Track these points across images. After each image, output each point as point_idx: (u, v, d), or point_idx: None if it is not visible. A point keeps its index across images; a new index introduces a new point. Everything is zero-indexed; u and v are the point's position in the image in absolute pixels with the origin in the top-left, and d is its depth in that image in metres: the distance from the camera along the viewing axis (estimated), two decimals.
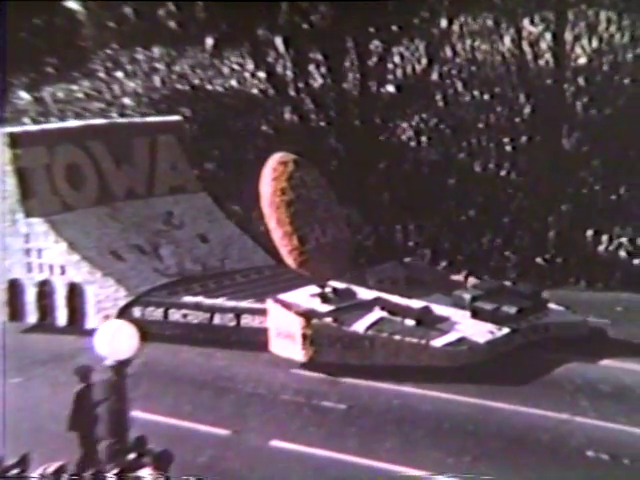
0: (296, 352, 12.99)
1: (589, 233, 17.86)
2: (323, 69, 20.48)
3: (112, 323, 9.53)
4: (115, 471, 8.38)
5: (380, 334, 12.65)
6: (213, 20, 19.95)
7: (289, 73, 20.69)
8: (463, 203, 19.24)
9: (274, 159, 15.21)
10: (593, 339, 13.30)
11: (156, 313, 14.58)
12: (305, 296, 13.56)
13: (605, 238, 17.68)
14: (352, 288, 13.83)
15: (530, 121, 19.32)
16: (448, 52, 20.54)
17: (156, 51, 23.22)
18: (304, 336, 12.88)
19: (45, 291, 15.45)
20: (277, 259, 15.94)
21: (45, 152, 15.95)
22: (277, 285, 14.69)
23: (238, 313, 14.13)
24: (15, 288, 15.60)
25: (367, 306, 13.28)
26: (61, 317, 15.31)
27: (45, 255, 15.46)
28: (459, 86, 20.32)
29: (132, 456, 8.53)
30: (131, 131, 17.37)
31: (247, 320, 14.00)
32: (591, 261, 17.38)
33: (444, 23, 20.22)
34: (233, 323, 14.12)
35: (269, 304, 13.61)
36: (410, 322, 12.82)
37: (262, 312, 13.74)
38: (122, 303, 14.79)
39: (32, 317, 15.53)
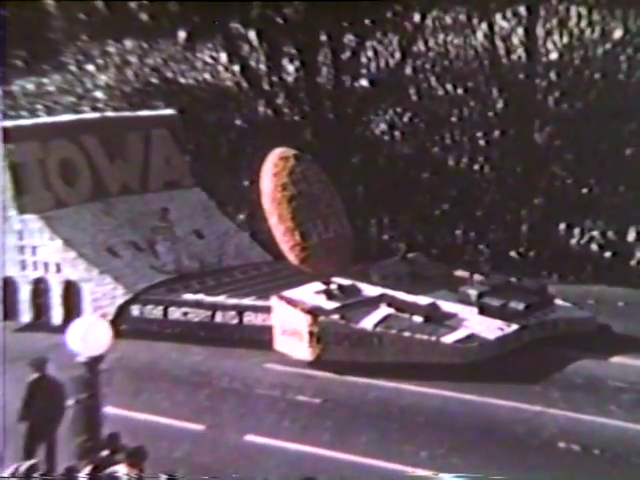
0: (302, 350, 12.79)
1: (561, 227, 18.02)
2: (297, 63, 20.42)
3: (85, 319, 9.46)
4: (88, 468, 8.31)
5: (389, 331, 12.46)
6: (185, 13, 19.78)
7: (263, 67, 20.61)
8: (437, 197, 19.31)
9: (274, 154, 14.71)
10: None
11: (155, 311, 14.34)
12: (310, 293, 13.36)
13: (577, 231, 17.85)
14: (357, 285, 13.63)
15: (503, 115, 19.43)
16: (421, 46, 20.59)
17: (128, 44, 22.99)
18: (311, 334, 12.68)
19: (40, 289, 15.17)
20: (273, 255, 15.77)
21: (38, 147, 15.65)
22: (277, 282, 14.54)
23: (241, 311, 13.90)
24: (8, 286, 15.24)
25: (373, 303, 13.08)
26: (56, 316, 15.03)
27: (40, 252, 15.18)
28: (432, 80, 20.37)
29: (105, 453, 8.48)
30: (124, 125, 17.12)
31: (250, 318, 13.78)
32: (563, 254, 17.54)
33: (417, 17, 20.25)
34: (235, 321, 13.88)
35: (273, 301, 13.41)
36: (418, 319, 12.61)
37: (266, 309, 13.53)
38: (120, 301, 14.57)
39: (26, 316, 15.23)
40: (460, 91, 20.03)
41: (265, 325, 13.45)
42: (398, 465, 9.72)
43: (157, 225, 16.02)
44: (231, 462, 10.05)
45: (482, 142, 19.66)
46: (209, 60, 22.11)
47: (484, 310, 13.00)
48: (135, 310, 14.48)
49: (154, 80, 22.29)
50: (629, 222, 17.60)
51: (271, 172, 14.50)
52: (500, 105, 19.54)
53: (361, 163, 19.99)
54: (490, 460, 9.77)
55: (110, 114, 19.08)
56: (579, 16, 19.69)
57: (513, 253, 17.79)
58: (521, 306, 13.12)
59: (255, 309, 13.80)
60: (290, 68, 20.61)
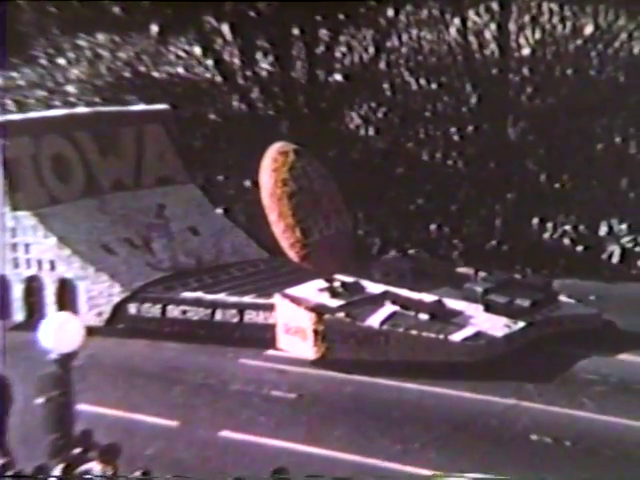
0: (307, 349, 12.54)
1: (534, 221, 18.15)
2: (271, 57, 20.35)
3: (56, 316, 9.36)
4: (60, 466, 8.22)
5: (396, 329, 12.26)
6: (158, 6, 19.64)
7: (237, 61, 20.51)
8: (411, 192, 19.36)
9: (274, 149, 14.25)
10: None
11: (153, 310, 14.05)
12: (313, 290, 13.11)
13: (550, 226, 18.00)
14: (360, 282, 13.40)
15: (476, 110, 19.52)
16: (395, 41, 20.62)
17: (100, 37, 22.75)
18: (316, 332, 12.44)
19: (33, 287, 14.82)
20: (269, 251, 15.59)
21: (30, 142, 15.33)
22: (277, 279, 14.31)
23: (242, 309, 13.59)
24: (1, 284, 14.89)
25: (377, 300, 12.86)
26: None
27: (33, 250, 14.85)
28: (406, 75, 20.42)
29: (77, 450, 8.39)
30: (117, 120, 16.83)
31: (251, 316, 13.49)
32: (537, 248, 17.67)
33: (391, 12, 20.27)
34: (236, 319, 13.58)
35: (277, 299, 13.12)
36: (424, 316, 12.44)
37: (267, 307, 13.26)
38: (116, 299, 14.28)
39: (19, 315, 14.88)
40: (434, 86, 20.09)
41: (267, 323, 13.19)
42: (374, 460, 9.72)
43: (153, 222, 15.69)
44: (206, 458, 10.00)
45: (456, 137, 19.75)
46: (182, 54, 21.96)
47: (490, 307, 12.81)
48: (132, 308, 14.18)
49: (127, 74, 22.08)
50: (600, 217, 17.79)
51: (270, 167, 14.01)
52: (474, 100, 19.64)
53: (335, 157, 19.97)
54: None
55: (103, 109, 18.72)
56: (551, 12, 19.85)
57: (487, 247, 17.89)
58: (527, 303, 12.95)
59: (257, 307, 13.50)
60: (264, 62, 20.54)
